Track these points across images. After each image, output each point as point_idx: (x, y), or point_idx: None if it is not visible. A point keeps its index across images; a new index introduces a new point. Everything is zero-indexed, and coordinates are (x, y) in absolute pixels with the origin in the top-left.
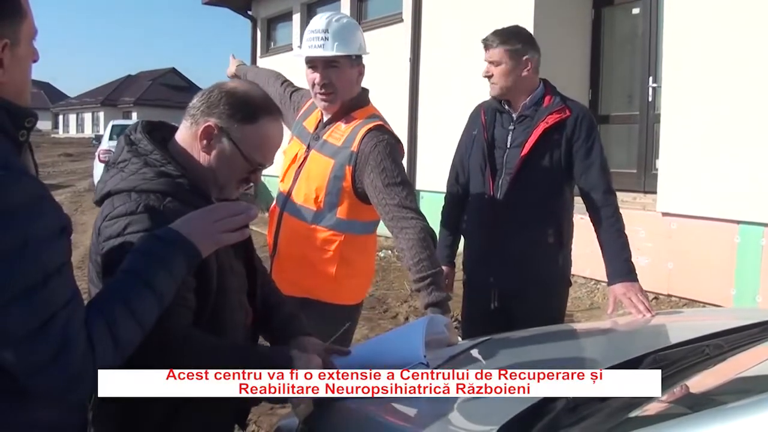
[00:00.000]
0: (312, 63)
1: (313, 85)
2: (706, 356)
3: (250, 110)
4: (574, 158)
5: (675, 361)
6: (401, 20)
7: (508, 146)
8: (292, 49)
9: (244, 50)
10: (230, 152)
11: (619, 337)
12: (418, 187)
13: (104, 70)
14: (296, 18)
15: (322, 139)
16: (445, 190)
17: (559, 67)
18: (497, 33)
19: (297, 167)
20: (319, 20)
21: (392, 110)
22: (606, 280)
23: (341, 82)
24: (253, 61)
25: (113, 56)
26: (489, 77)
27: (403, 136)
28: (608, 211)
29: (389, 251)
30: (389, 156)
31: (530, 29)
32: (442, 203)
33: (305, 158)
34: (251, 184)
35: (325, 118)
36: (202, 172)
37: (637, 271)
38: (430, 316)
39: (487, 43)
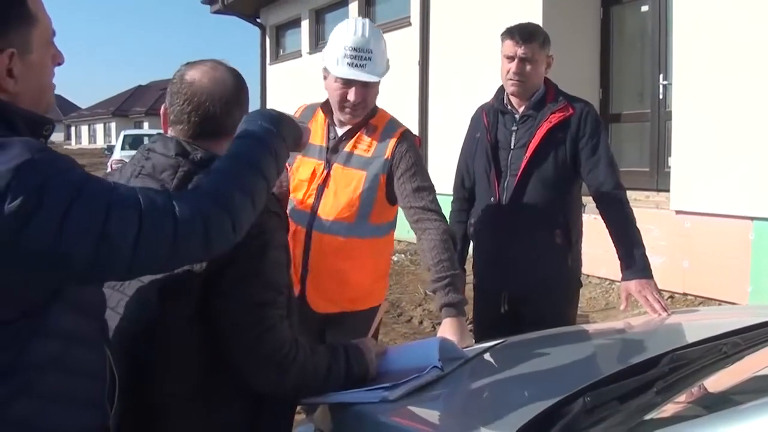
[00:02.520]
0: (349, 82)
1: (344, 100)
2: (724, 355)
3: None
4: (581, 156)
5: (692, 360)
6: (410, 24)
7: (512, 147)
8: (301, 56)
9: (254, 58)
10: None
11: (636, 337)
12: None
13: (115, 80)
14: (305, 24)
15: (344, 152)
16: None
17: (569, 66)
18: (527, 28)
19: (319, 183)
20: (360, 36)
21: (402, 113)
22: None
23: (371, 98)
24: (263, 69)
25: (123, 67)
26: (516, 75)
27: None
28: (619, 207)
29: (402, 255)
30: (418, 160)
31: None
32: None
33: (327, 173)
34: None
35: (339, 131)
36: None
37: (651, 270)
38: (441, 339)
39: (521, 39)
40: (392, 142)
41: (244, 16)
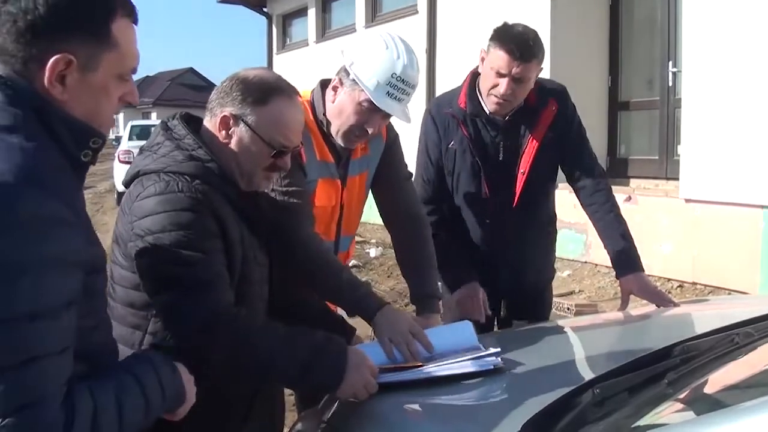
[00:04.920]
0: (378, 111)
1: (360, 128)
2: (736, 345)
3: (261, 92)
4: (568, 149)
5: (704, 351)
6: (416, 12)
7: (500, 157)
8: (307, 45)
9: (260, 48)
10: (249, 138)
11: (646, 328)
12: None
13: None
14: (311, 13)
15: (352, 161)
16: None
17: (578, 53)
18: (526, 40)
19: (339, 205)
20: (413, 70)
21: (409, 103)
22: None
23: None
24: (269, 58)
25: None
26: (505, 96)
27: (407, 124)
28: (604, 196)
29: None
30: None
31: (547, 17)
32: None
33: (343, 191)
34: (280, 171)
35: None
36: (226, 162)
37: (661, 259)
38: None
39: (520, 56)
40: (382, 132)
41: (250, 6)
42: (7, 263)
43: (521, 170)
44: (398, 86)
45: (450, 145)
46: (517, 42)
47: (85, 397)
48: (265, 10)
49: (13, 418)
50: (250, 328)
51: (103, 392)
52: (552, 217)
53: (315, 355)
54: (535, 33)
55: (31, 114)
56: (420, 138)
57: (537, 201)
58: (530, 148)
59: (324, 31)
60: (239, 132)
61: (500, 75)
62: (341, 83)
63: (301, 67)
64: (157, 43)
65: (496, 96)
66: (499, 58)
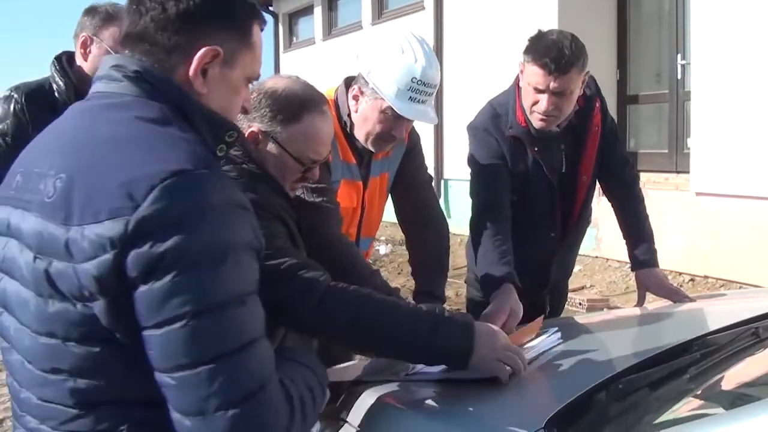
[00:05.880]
0: (402, 117)
1: (387, 135)
2: (757, 339)
3: (293, 109)
4: (605, 142)
5: (724, 345)
6: (423, 8)
7: (563, 169)
8: (314, 43)
9: (267, 47)
10: (279, 155)
11: (664, 323)
12: (445, 176)
13: None
14: (317, 11)
15: (374, 162)
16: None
17: (586, 47)
18: (561, 51)
19: (361, 206)
20: (433, 69)
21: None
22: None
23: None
24: (276, 57)
25: None
26: (548, 112)
27: (429, 125)
28: (635, 190)
29: None
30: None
31: (554, 10)
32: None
33: (364, 192)
34: (308, 181)
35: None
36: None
37: (672, 253)
38: None
39: (556, 70)
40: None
41: (256, 4)
42: (209, 249)
43: (584, 176)
44: (420, 89)
45: (520, 167)
46: (551, 54)
47: (287, 383)
48: (271, 8)
49: (241, 408)
50: (362, 293)
51: (295, 378)
52: (591, 212)
53: (438, 318)
54: (571, 38)
55: (173, 107)
56: (474, 154)
57: (590, 201)
58: (590, 152)
59: (330, 29)
60: (269, 147)
61: (539, 91)
62: (361, 92)
63: (309, 65)
64: None
65: (538, 113)
66: (535, 74)
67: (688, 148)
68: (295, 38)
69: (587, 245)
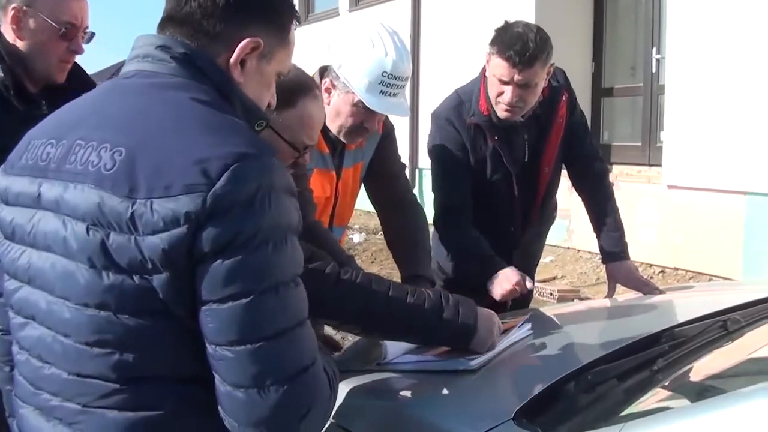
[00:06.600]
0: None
1: (359, 127)
2: (725, 331)
3: (287, 94)
4: (572, 133)
5: (692, 337)
6: None
7: (526, 158)
8: (338, 15)
9: None
10: (272, 141)
11: (634, 315)
12: (420, 165)
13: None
14: None
15: (347, 153)
16: None
17: (562, 39)
18: (526, 45)
19: (334, 196)
20: (404, 62)
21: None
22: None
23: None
24: None
25: (110, 41)
26: (512, 104)
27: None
28: (605, 184)
29: None
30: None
31: (532, 2)
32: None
33: (338, 182)
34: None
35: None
36: None
37: (643, 245)
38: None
39: (520, 63)
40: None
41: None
42: (275, 230)
43: (545, 167)
44: (391, 83)
45: (480, 155)
46: (515, 47)
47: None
48: None
49: (294, 381)
50: (372, 276)
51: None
52: (556, 205)
53: (444, 300)
54: (536, 31)
55: (216, 91)
56: (435, 144)
57: (553, 193)
58: (553, 143)
59: (307, 15)
60: (263, 135)
61: (504, 83)
62: (333, 86)
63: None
64: (137, 26)
65: (503, 104)
66: (499, 65)
67: (661, 142)
68: (311, 11)
69: (559, 236)
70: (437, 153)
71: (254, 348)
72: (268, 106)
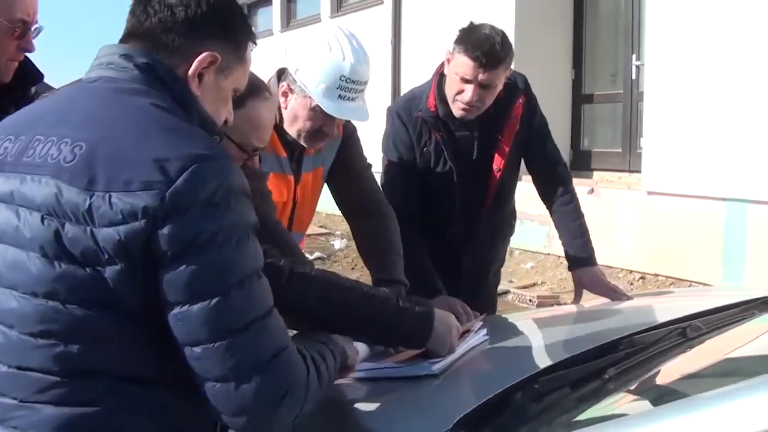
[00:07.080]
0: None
1: (318, 131)
2: (684, 339)
3: (236, 95)
4: (531, 139)
5: (650, 344)
6: (381, 2)
7: (474, 156)
8: (272, 34)
9: None
10: (222, 142)
11: (598, 321)
12: None
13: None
14: (276, 3)
15: (306, 157)
16: None
17: (542, 46)
18: (493, 47)
19: (292, 200)
20: (362, 66)
21: (375, 93)
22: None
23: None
24: None
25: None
26: (471, 104)
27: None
28: (563, 188)
29: None
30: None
31: (512, 9)
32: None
33: (296, 187)
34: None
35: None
36: None
37: (623, 251)
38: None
39: (486, 64)
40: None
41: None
42: (236, 228)
43: (496, 168)
44: (349, 87)
45: (424, 150)
46: (483, 48)
47: (299, 347)
48: None
49: (271, 365)
50: (328, 274)
51: (307, 346)
52: (514, 210)
53: (401, 300)
54: (502, 35)
55: (175, 100)
56: (386, 140)
57: (507, 197)
58: (504, 145)
59: (289, 21)
60: None
61: (465, 81)
62: (290, 90)
63: (266, 56)
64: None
65: (461, 102)
66: (464, 64)
67: (640, 148)
68: (253, 29)
69: (539, 242)
70: (384, 148)
71: (227, 343)
72: (225, 122)
